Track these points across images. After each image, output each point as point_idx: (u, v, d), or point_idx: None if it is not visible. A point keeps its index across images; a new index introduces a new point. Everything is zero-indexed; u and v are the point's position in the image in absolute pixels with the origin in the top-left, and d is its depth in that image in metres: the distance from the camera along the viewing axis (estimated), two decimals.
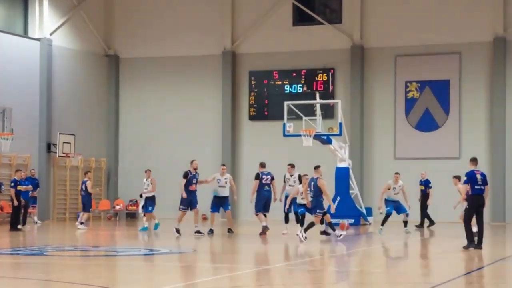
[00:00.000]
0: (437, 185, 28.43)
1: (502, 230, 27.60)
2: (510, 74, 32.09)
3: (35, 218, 30.12)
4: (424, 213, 27.68)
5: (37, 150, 32.49)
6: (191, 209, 23.00)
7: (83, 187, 27.00)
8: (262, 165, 23.66)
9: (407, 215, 24.49)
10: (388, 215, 23.82)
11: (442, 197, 28.87)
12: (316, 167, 21.25)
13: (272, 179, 23.32)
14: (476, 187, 17.89)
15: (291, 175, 23.56)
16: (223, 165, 24.86)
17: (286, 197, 23.35)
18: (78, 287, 11.78)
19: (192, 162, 23.44)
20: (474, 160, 18.39)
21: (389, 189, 23.89)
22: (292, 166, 23.71)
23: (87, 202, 26.94)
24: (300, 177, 23.29)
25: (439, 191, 28.59)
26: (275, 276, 13.79)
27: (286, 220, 23.49)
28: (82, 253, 18.17)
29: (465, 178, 18.04)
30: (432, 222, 27.73)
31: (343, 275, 14.04)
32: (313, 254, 18.13)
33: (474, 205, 17.95)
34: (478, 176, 17.93)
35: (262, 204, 23.11)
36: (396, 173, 24.69)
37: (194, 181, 23.06)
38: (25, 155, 31.64)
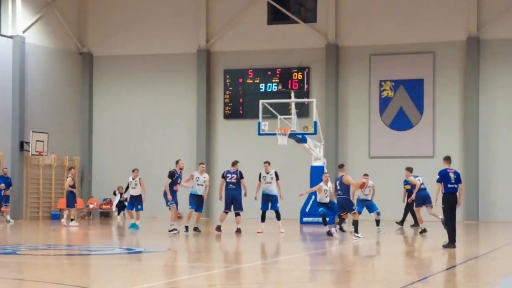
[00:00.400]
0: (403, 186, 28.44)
1: (475, 228, 27.81)
2: (483, 73, 32.34)
3: (8, 217, 29.88)
4: (407, 212, 27.28)
5: (10, 149, 32.21)
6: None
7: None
8: (233, 163, 23.61)
9: (378, 213, 24.51)
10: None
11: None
12: (341, 166, 21.76)
13: (241, 177, 23.28)
14: (449, 185, 17.99)
15: (267, 173, 23.64)
16: (202, 163, 24.78)
17: (264, 195, 23.41)
18: (52, 286, 11.70)
19: (177, 161, 23.41)
20: (447, 159, 18.52)
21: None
22: (268, 163, 23.79)
23: (67, 199, 27.13)
24: (277, 174, 23.43)
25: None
26: (249, 275, 13.78)
27: (263, 218, 23.52)
28: (55, 252, 18.05)
29: (438, 176, 18.13)
30: (416, 223, 27.24)
31: (317, 273, 14.06)
32: (288, 253, 18.14)
33: (448, 203, 18.01)
34: (451, 175, 18.04)
35: (227, 203, 23.11)
36: (365, 175, 24.50)
37: (179, 181, 23.06)
38: None
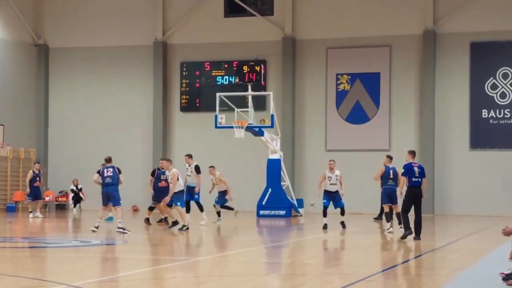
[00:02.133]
0: (368, 178, 28.65)
1: (431, 222, 28.15)
2: (439, 67, 32.72)
3: None
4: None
5: None
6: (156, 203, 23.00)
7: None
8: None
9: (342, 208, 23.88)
10: (325, 207, 22.24)
11: (375, 189, 29.29)
12: (390, 157, 21.09)
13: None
14: (413, 179, 18.23)
15: (189, 165, 23.38)
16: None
17: (188, 187, 23.04)
18: (8, 279, 11.64)
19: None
20: (412, 153, 18.75)
21: (325, 178, 22.22)
22: (189, 156, 23.50)
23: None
24: (197, 168, 23.01)
25: (370, 183, 28.80)
26: (206, 268, 13.84)
27: (187, 210, 23.07)
28: (11, 245, 17.91)
29: (403, 170, 18.37)
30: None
31: (275, 266, 14.17)
32: (246, 245, 18.23)
33: (411, 197, 18.26)
34: (416, 169, 18.31)
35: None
36: (331, 160, 22.66)
37: (163, 177, 22.83)
38: None
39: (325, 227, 22.11)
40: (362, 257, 15.88)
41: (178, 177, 21.60)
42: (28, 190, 27.23)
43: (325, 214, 22.16)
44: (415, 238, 18.25)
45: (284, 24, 34.10)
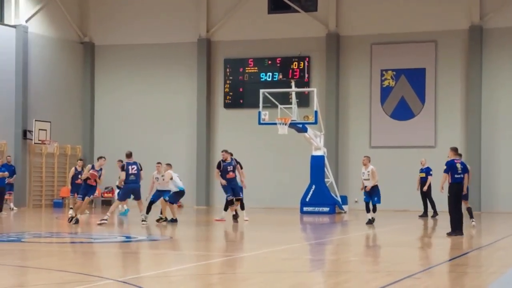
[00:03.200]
0: (414, 174, 28.51)
1: (477, 219, 27.78)
2: (485, 62, 32.31)
3: (12, 205, 30.01)
4: (430, 201, 27.17)
5: (13, 137, 32.36)
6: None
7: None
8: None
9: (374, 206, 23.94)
10: (366, 203, 22.63)
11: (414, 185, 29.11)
12: (455, 149, 20.89)
13: (239, 167, 23.28)
14: (456, 175, 18.43)
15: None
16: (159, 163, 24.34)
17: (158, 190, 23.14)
18: (55, 274, 11.81)
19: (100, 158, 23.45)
20: (454, 150, 18.85)
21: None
22: (162, 164, 23.17)
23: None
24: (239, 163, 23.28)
25: (413, 179, 28.63)
26: (250, 264, 13.88)
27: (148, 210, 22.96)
28: (58, 240, 18.16)
29: (445, 167, 18.48)
30: (435, 213, 27.04)
31: (318, 263, 14.16)
32: (290, 242, 18.24)
33: (454, 194, 18.33)
34: (458, 165, 18.48)
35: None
36: (365, 156, 23.14)
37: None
38: (1, 141, 31.52)
39: (368, 222, 22.42)
40: (407, 254, 15.79)
41: (172, 177, 22.22)
42: (69, 186, 27.36)
43: (368, 210, 22.53)
44: (457, 234, 18.25)
45: (328, 20, 33.99)
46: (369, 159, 22.90)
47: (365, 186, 22.43)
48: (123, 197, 22.86)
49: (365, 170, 22.48)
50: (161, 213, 23.06)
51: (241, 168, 23.67)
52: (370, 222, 22.43)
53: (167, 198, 22.72)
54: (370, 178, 22.37)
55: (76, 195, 26.38)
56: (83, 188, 22.58)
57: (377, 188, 22.43)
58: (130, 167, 21.60)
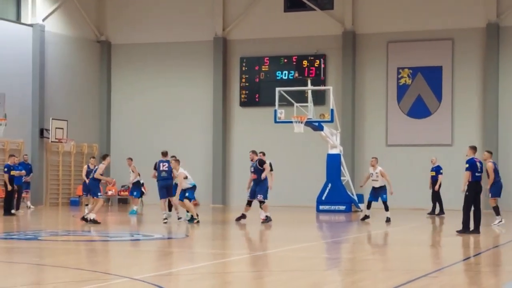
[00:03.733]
0: (428, 173, 28.43)
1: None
2: (503, 60, 32.12)
3: (28, 203, 30.17)
4: (437, 200, 27.26)
5: (30, 136, 32.53)
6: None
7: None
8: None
9: (385, 203, 24.01)
10: (368, 202, 23.39)
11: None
12: (490, 152, 21.06)
13: (261, 165, 23.05)
14: (476, 174, 18.66)
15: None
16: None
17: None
18: (72, 272, 11.86)
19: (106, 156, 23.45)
20: (474, 148, 19.01)
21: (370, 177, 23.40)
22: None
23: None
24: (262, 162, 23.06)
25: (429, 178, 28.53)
26: (267, 262, 13.89)
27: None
28: (75, 238, 18.24)
29: (467, 165, 18.51)
30: (442, 211, 27.19)
31: (335, 261, 14.14)
32: (306, 240, 18.23)
33: (474, 192, 18.50)
34: (478, 164, 18.67)
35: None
36: (373, 158, 23.88)
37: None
38: (18, 140, 31.66)
39: (364, 218, 23.41)
40: (423, 252, 15.75)
41: (186, 176, 22.15)
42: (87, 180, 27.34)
43: (368, 207, 23.56)
44: (474, 232, 18.27)
45: (344, 18, 33.92)
46: (377, 160, 23.60)
47: (373, 187, 23.18)
48: (162, 195, 22.64)
49: (373, 171, 23.12)
50: (188, 212, 22.77)
51: (271, 169, 23.34)
52: (366, 217, 23.30)
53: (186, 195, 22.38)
54: (378, 179, 22.96)
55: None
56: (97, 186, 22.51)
57: (385, 187, 23.02)
58: (161, 164, 22.01)
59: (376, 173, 22.93)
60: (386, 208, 23.05)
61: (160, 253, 15.37)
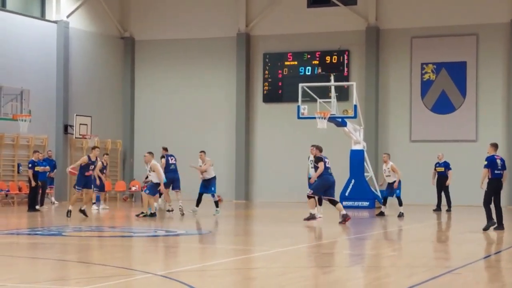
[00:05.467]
0: (453, 169, 28.26)
1: None
2: None
3: (53, 199, 30.37)
4: (446, 196, 27.17)
5: (54, 132, 32.74)
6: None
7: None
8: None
9: (398, 198, 24.13)
10: (383, 197, 24.39)
11: (460, 180, 28.86)
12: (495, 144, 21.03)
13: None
14: (496, 171, 18.57)
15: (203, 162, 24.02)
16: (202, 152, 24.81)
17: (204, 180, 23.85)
18: (95, 267, 11.92)
19: (94, 148, 23.66)
20: (494, 146, 18.99)
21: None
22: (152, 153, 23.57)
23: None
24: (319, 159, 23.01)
25: (456, 174, 28.39)
26: (290, 258, 13.87)
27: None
28: (99, 234, 18.33)
29: (486, 162, 18.48)
30: (450, 207, 27.15)
31: (358, 258, 14.10)
32: (329, 237, 18.19)
33: (493, 189, 18.42)
34: (498, 161, 18.67)
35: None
36: (384, 154, 24.73)
37: (91, 167, 23.17)
38: (42, 136, 31.87)
39: (380, 214, 23.89)
40: (446, 249, 15.66)
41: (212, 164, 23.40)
42: (97, 181, 27.35)
43: (384, 203, 24.16)
44: (498, 228, 18.28)
45: (368, 14, 33.79)
46: (389, 156, 24.28)
47: (388, 183, 23.84)
48: (171, 187, 23.80)
49: (385, 167, 23.81)
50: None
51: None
52: (382, 214, 23.79)
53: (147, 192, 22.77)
54: (390, 174, 23.66)
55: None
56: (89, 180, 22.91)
57: (399, 183, 23.67)
58: (169, 158, 22.78)
59: (388, 168, 23.62)
60: (400, 203, 23.82)
61: (183, 249, 15.40)
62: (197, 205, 23.70)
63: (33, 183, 25.92)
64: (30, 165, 26.20)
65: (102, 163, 28.01)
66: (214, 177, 23.82)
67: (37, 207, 26.18)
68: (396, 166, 23.76)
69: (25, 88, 27.79)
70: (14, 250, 14.82)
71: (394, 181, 23.57)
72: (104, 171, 27.80)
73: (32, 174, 25.96)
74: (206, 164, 23.65)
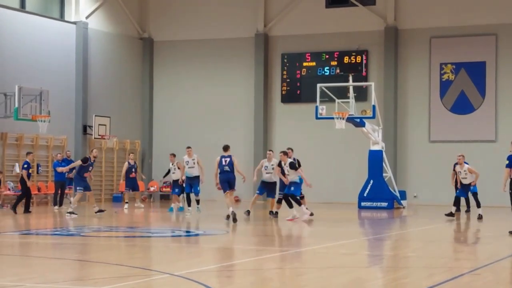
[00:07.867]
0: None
1: None
2: None
3: (72, 199, 30.44)
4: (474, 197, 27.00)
5: (73, 132, 32.87)
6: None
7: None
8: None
9: (475, 194, 23.99)
10: (456, 197, 23.91)
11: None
12: None
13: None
14: None
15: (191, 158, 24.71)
16: (189, 147, 25.34)
17: (188, 178, 24.48)
18: (113, 267, 11.95)
19: (92, 150, 23.96)
20: None
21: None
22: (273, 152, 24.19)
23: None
24: (292, 164, 23.06)
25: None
26: (308, 259, 13.85)
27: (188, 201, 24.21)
28: (117, 234, 18.38)
29: (508, 161, 18.23)
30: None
31: (376, 258, 14.05)
32: (347, 237, 18.14)
33: None
34: None
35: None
36: (459, 156, 24.05)
37: (90, 168, 23.82)
38: (61, 137, 32.01)
39: (449, 214, 23.49)
40: (466, 250, 15.56)
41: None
42: (122, 181, 27.43)
43: (454, 204, 23.72)
44: None
45: (386, 14, 33.68)
46: (464, 157, 23.93)
47: (463, 184, 23.62)
48: (224, 188, 22.73)
49: (461, 169, 23.56)
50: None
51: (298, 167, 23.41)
52: (452, 215, 23.46)
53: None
54: (467, 177, 23.44)
55: (134, 190, 26.79)
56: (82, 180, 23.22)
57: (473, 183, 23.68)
58: (223, 159, 21.75)
59: (465, 171, 23.40)
60: (478, 204, 23.58)
61: (200, 249, 15.41)
62: (189, 205, 24.02)
63: (28, 184, 25.57)
64: (25, 166, 25.53)
65: (129, 162, 28.13)
66: (198, 176, 24.15)
67: (56, 207, 26.27)
68: (472, 167, 23.68)
69: (44, 89, 27.93)
70: (34, 250, 14.89)
71: (470, 183, 23.46)
72: (133, 170, 28.01)
73: (26, 175, 25.53)
74: (199, 162, 24.16)
